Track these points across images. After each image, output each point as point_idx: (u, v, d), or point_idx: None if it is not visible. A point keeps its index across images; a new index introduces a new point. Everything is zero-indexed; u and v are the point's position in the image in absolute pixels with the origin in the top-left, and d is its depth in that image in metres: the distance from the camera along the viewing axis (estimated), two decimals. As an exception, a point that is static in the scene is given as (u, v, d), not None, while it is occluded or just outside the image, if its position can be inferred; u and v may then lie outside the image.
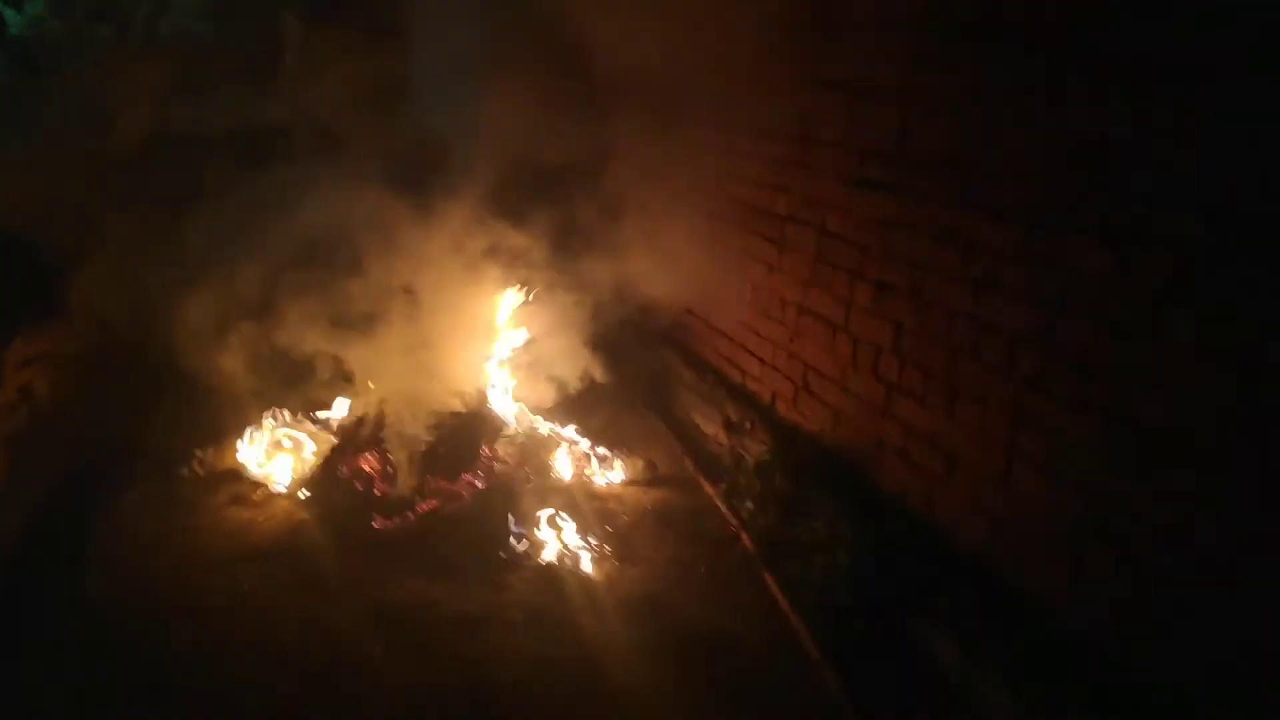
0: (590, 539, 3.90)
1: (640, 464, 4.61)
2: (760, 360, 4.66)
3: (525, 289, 4.68)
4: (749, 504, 4.01)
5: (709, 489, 4.41)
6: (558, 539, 3.86)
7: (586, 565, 3.75)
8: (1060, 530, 2.83)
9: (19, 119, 7.07)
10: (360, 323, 4.57)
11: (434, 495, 4.11)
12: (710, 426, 4.97)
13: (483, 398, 4.60)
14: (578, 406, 5.08)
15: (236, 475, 4.42)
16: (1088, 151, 2.65)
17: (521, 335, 4.70)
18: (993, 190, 3.05)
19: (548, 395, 4.84)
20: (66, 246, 4.09)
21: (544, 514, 3.97)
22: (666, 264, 5.37)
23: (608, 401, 5.44)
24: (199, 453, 4.47)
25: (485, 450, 4.33)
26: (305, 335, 4.48)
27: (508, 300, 4.67)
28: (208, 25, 9.22)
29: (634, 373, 5.85)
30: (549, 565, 3.74)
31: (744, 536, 3.95)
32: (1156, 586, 2.50)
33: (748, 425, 4.55)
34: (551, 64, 4.94)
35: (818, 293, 4.11)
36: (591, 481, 4.46)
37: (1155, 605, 2.51)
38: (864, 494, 3.73)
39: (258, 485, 4.34)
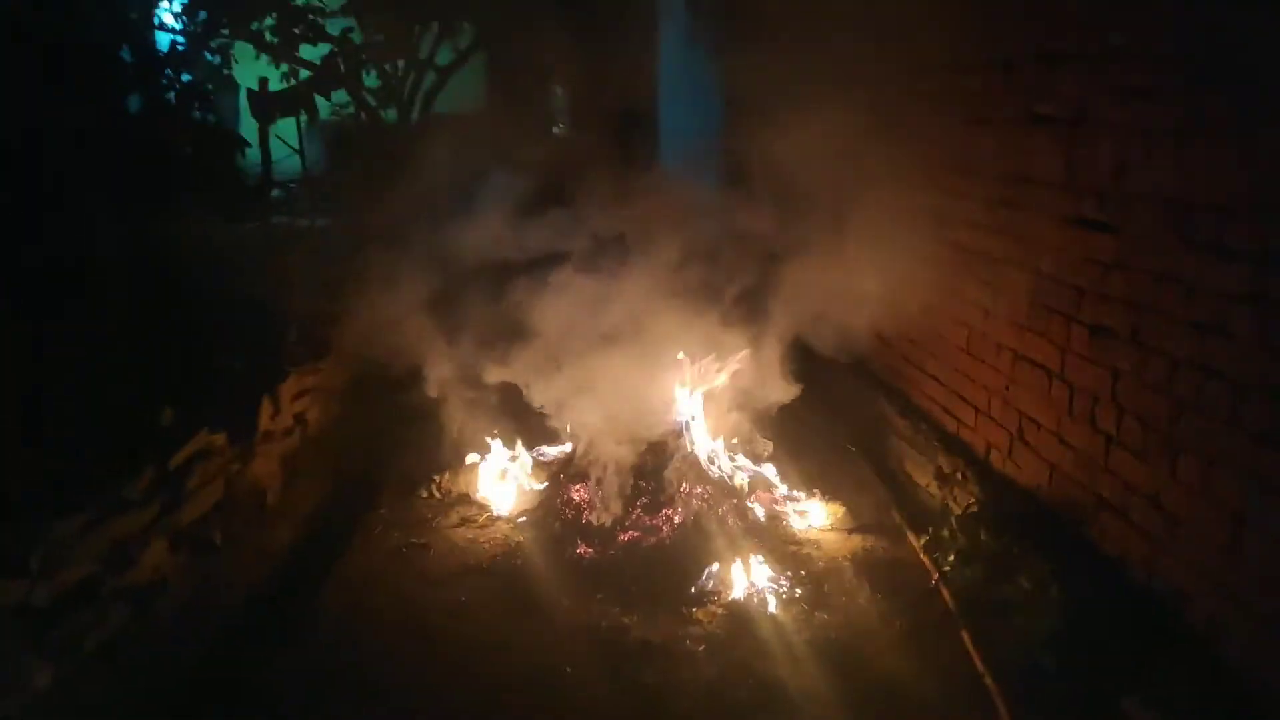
0: (781, 581, 3.90)
1: (841, 510, 4.54)
2: (975, 409, 4.44)
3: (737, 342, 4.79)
4: (951, 557, 3.82)
5: (913, 540, 4.25)
6: (747, 578, 3.89)
7: (774, 606, 3.75)
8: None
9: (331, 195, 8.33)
10: (577, 370, 4.90)
11: (634, 528, 4.29)
12: (922, 477, 4.78)
13: (687, 437, 4.75)
14: (788, 451, 5.11)
15: (467, 499, 4.87)
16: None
17: (728, 378, 4.79)
18: (1218, 227, 2.78)
19: (753, 438, 4.92)
20: (333, 298, 4.79)
21: (736, 553, 4.01)
22: (880, 310, 5.30)
23: (819, 447, 5.43)
24: (437, 477, 4.98)
25: (684, 487, 4.46)
26: (530, 379, 4.87)
27: (716, 345, 4.80)
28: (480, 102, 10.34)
29: (848, 420, 5.79)
30: (736, 603, 3.79)
31: (944, 591, 3.77)
32: None
33: (959, 476, 4.35)
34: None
35: (1033, 337, 3.88)
36: (788, 525, 4.45)
37: None
38: (1078, 555, 3.45)
39: (483, 509, 4.76)
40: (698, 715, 3.13)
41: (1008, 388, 4.11)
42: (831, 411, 5.83)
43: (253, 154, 7.67)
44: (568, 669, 3.39)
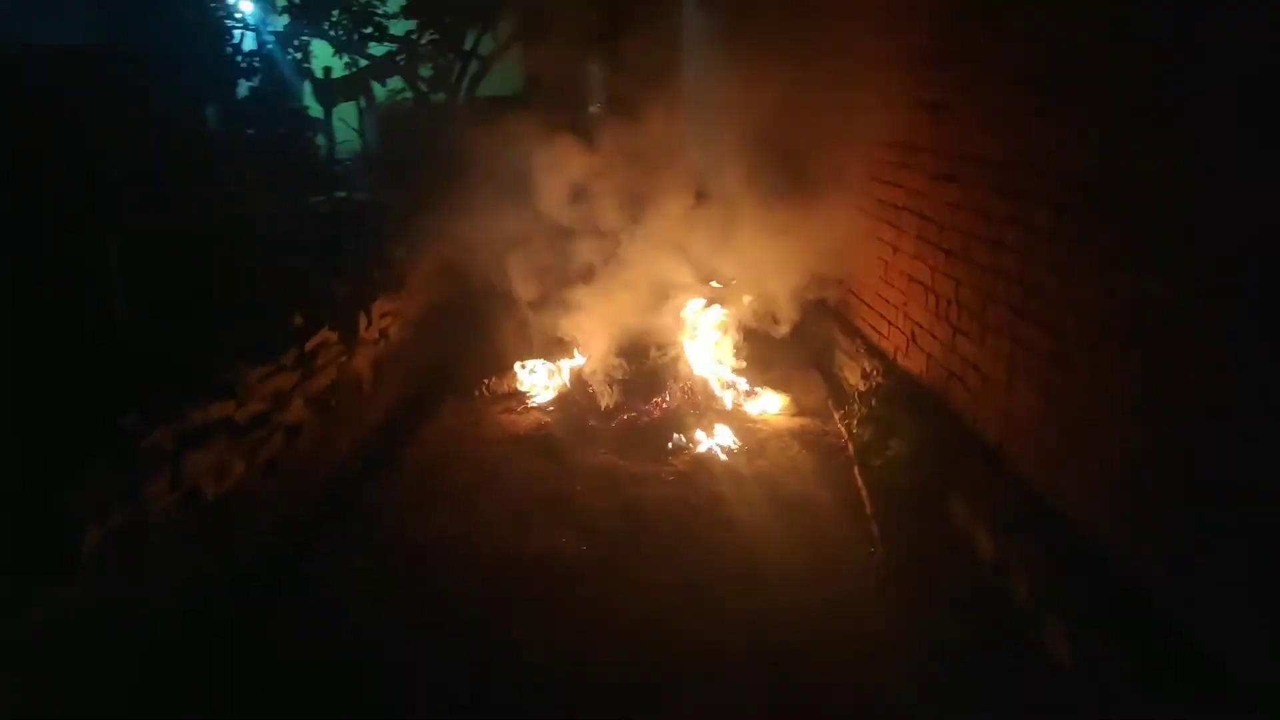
0: (734, 442, 5.39)
1: (789, 400, 6.00)
2: (889, 323, 5.87)
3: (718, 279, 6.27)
4: (855, 423, 5.28)
5: (836, 418, 5.71)
6: (710, 440, 5.38)
7: (725, 457, 5.24)
8: (1033, 421, 3.90)
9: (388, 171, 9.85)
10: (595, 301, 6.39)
11: (633, 410, 5.80)
12: (854, 378, 6.22)
13: (679, 347, 6.23)
14: (762, 364, 6.58)
15: (510, 395, 6.42)
16: (1051, 153, 3.77)
17: (714, 307, 6.27)
18: (1000, 175, 4.18)
19: (731, 352, 6.38)
20: (409, 246, 6.36)
21: (703, 426, 5.50)
22: (836, 251, 6.72)
23: (785, 362, 6.88)
24: (487, 380, 6.53)
25: (672, 383, 5.95)
26: (556, 311, 6.40)
27: (706, 282, 6.29)
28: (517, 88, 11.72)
29: (811, 341, 7.23)
30: (699, 455, 5.29)
31: (849, 446, 5.23)
32: (1079, 434, 3.55)
33: (874, 373, 5.78)
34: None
35: (918, 263, 5.29)
36: (747, 410, 5.93)
37: (1084, 457, 3.56)
38: (937, 414, 4.88)
39: (522, 401, 6.30)
40: (664, 509, 4.64)
41: (905, 304, 5.53)
42: (799, 336, 7.27)
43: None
44: (578, 488, 4.92)
